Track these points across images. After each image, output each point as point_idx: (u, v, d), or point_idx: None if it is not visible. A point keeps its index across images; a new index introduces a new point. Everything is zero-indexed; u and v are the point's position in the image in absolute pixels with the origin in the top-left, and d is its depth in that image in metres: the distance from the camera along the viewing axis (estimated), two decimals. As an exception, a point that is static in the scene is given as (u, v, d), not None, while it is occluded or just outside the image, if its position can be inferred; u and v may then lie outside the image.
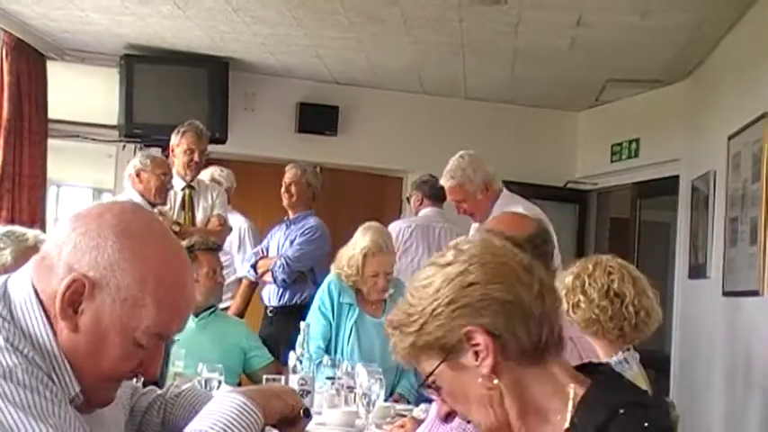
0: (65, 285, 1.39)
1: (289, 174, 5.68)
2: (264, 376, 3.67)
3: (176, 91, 6.69)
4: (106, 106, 6.69)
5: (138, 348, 1.44)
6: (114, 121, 6.68)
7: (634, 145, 7.04)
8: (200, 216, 5.26)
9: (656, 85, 6.61)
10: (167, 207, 5.16)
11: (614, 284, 2.77)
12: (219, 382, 3.37)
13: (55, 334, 1.41)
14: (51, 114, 6.52)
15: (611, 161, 7.26)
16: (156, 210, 5.04)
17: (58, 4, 5.64)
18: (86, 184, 9.69)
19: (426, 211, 5.82)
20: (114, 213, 1.45)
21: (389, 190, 7.85)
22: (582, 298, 2.78)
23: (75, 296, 1.40)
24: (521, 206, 4.36)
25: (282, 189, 5.67)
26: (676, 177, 6.55)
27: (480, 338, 1.42)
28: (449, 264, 1.48)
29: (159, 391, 1.79)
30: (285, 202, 5.62)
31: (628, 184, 7.34)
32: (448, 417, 1.52)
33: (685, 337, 6.15)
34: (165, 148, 6.85)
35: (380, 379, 3.11)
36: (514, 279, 1.45)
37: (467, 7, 5.12)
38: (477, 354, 1.43)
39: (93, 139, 6.79)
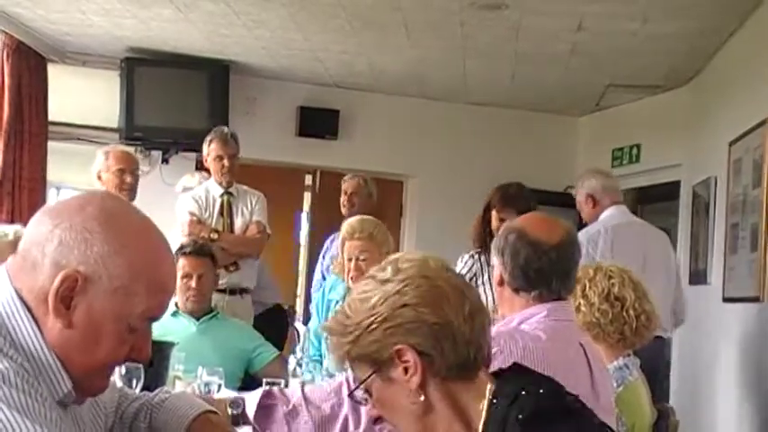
0: (58, 282, 1.38)
1: (350, 183, 5.79)
2: (264, 380, 3.64)
3: (177, 94, 6.69)
4: (107, 109, 6.69)
5: (131, 334, 1.45)
6: (115, 124, 6.69)
7: (635, 150, 7.04)
8: (238, 223, 5.18)
9: (657, 91, 6.62)
10: (206, 215, 5.12)
11: (615, 288, 2.77)
12: (219, 386, 3.36)
13: (42, 334, 1.40)
14: (52, 117, 6.52)
15: (612, 166, 7.24)
16: (194, 218, 5.02)
17: (59, 7, 5.65)
18: (86, 186, 9.65)
19: None
20: (96, 205, 1.44)
21: (390, 194, 7.85)
22: (582, 302, 2.78)
23: (68, 292, 1.39)
24: (607, 215, 4.87)
25: (343, 198, 5.75)
26: (677, 183, 6.54)
27: (410, 356, 1.52)
28: (387, 281, 1.57)
29: (147, 397, 1.80)
30: (345, 212, 5.62)
31: (629, 189, 7.33)
32: (376, 421, 1.62)
33: (686, 344, 6.13)
34: (165, 151, 6.90)
35: None
36: (445, 302, 1.54)
37: (468, 12, 5.12)
38: (406, 370, 1.53)
39: (94, 142, 6.78)
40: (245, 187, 5.33)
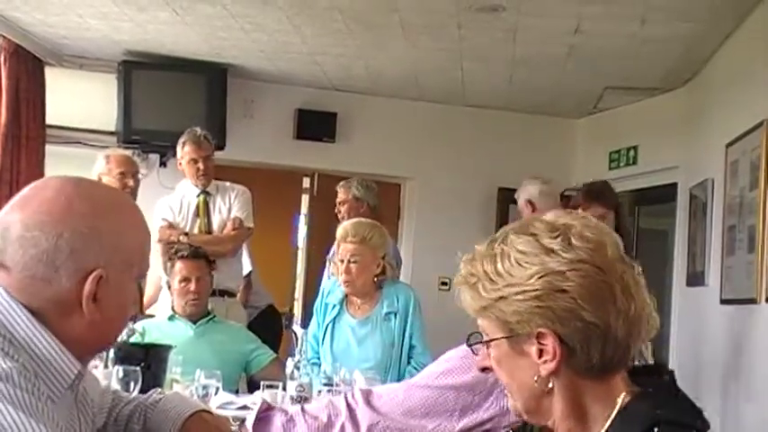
0: (89, 287, 1.43)
1: (340, 191, 5.80)
2: (262, 382, 3.64)
3: (174, 97, 6.69)
4: (104, 112, 6.69)
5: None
6: (112, 128, 6.68)
7: (632, 152, 7.04)
8: (216, 221, 5.10)
9: (655, 93, 6.62)
10: (180, 218, 5.08)
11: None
12: (217, 389, 3.36)
13: (44, 325, 1.42)
14: (49, 120, 6.52)
15: (610, 168, 7.25)
16: (164, 224, 5.00)
17: (56, 11, 5.65)
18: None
19: None
20: (80, 199, 1.47)
21: (387, 196, 7.85)
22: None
23: (97, 288, 1.45)
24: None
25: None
26: (674, 185, 6.55)
27: (550, 343, 1.35)
28: (552, 251, 1.37)
29: (141, 398, 1.82)
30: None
31: (626, 191, 7.33)
32: (484, 370, 1.49)
33: (683, 345, 6.14)
34: (163, 154, 6.89)
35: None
36: (610, 303, 1.35)
37: (465, 14, 5.13)
38: (541, 352, 1.36)
39: (92, 145, 6.77)
40: (227, 183, 5.24)
